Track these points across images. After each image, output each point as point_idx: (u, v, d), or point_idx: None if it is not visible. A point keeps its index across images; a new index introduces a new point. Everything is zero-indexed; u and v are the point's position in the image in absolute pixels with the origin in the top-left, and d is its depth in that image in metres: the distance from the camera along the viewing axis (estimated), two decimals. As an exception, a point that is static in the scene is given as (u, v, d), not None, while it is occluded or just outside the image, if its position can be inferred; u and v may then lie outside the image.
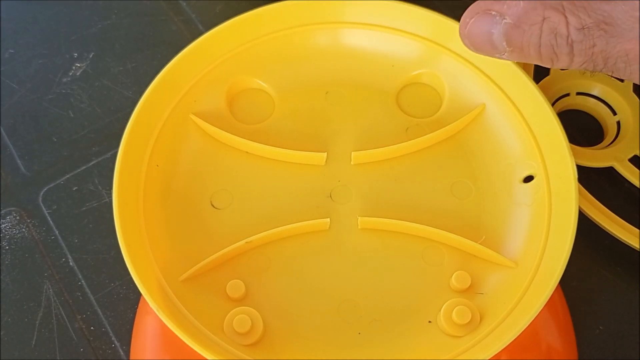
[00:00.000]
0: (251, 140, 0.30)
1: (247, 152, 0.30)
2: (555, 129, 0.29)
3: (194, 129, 0.30)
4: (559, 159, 0.29)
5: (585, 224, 0.31)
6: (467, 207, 0.30)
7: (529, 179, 0.30)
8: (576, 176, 0.28)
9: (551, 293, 0.26)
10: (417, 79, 0.33)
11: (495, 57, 0.25)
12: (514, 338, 0.25)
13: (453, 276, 0.28)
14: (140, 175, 0.28)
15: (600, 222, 0.32)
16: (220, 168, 0.30)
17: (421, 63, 0.32)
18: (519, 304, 0.27)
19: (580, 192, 0.29)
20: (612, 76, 0.25)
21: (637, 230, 0.32)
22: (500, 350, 0.24)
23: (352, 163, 0.30)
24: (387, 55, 0.33)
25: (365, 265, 0.28)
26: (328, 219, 0.28)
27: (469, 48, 0.26)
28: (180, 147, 0.30)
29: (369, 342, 0.26)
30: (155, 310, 0.24)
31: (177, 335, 0.23)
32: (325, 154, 0.30)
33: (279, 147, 0.30)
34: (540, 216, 0.29)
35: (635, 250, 0.31)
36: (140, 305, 0.30)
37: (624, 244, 0.31)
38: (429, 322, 0.27)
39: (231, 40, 0.32)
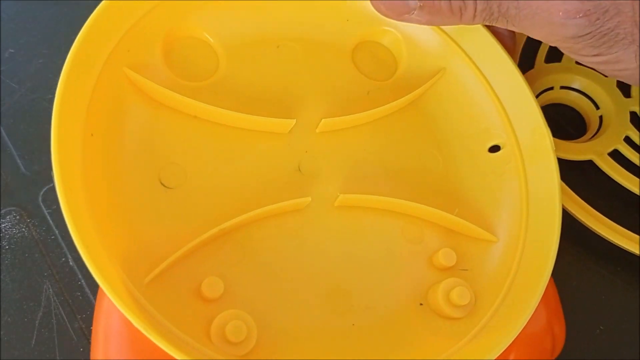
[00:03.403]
0: (200, 101, 0.23)
1: (195, 116, 0.24)
2: (527, 98, 0.26)
3: (130, 88, 0.23)
4: (532, 128, 0.26)
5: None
6: (436, 178, 0.26)
7: (495, 148, 0.27)
8: (553, 147, 0.25)
9: (550, 272, 0.23)
10: (373, 36, 0.28)
11: (405, 17, 0.23)
12: (525, 323, 0.22)
13: (439, 253, 0.24)
14: (76, 148, 0.22)
15: (584, 220, 0.29)
16: (166, 136, 0.23)
17: (378, 19, 0.26)
18: (513, 283, 0.24)
19: (563, 190, 0.26)
20: (506, 28, 0.24)
21: (629, 232, 0.29)
22: (514, 338, 0.21)
23: (317, 131, 0.25)
24: (341, 9, 0.27)
25: (346, 247, 0.24)
26: (309, 198, 0.23)
27: (380, 11, 0.24)
28: (116, 110, 0.23)
29: (365, 333, 0.23)
30: (134, 321, 0.19)
31: (146, 337, 0.19)
32: (294, 121, 0.24)
33: (234, 110, 0.23)
34: (515, 188, 0.26)
35: (628, 250, 0.29)
36: (100, 304, 0.24)
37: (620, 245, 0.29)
38: (420, 304, 0.24)
39: None
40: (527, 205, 0.25)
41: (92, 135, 0.22)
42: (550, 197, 0.25)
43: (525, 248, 0.24)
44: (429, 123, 0.27)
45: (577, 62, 0.35)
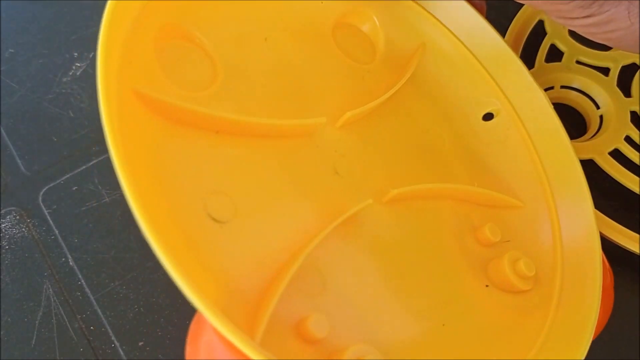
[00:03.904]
0: (222, 113, 0.20)
1: (218, 131, 0.21)
2: (513, 60, 0.25)
3: (143, 110, 0.19)
4: (524, 91, 0.25)
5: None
6: (448, 155, 0.26)
7: (489, 116, 0.26)
8: (549, 102, 0.25)
9: (596, 225, 0.23)
10: (348, 18, 0.27)
11: None
12: (600, 277, 0.21)
13: (485, 230, 0.23)
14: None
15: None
16: (195, 162, 0.20)
17: None
18: (563, 242, 0.23)
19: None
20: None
21: (630, 231, 0.29)
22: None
23: (337, 126, 0.24)
24: None
25: (408, 243, 0.23)
26: (370, 200, 0.22)
27: None
28: (142, 145, 0.19)
29: (457, 332, 0.22)
30: None
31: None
32: (324, 119, 0.22)
33: (252, 116, 0.21)
34: (523, 151, 0.25)
35: (635, 252, 0.28)
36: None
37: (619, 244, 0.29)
38: (487, 286, 0.23)
39: None
40: (541, 163, 0.25)
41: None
42: (562, 148, 0.24)
43: (558, 207, 0.24)
44: (426, 100, 0.27)
45: (578, 62, 0.35)
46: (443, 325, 0.22)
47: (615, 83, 0.34)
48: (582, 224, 0.23)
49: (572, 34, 0.35)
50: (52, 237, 0.29)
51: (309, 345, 0.19)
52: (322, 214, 0.21)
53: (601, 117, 0.34)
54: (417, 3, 0.27)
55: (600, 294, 0.22)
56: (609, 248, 0.29)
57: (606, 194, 0.31)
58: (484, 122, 0.26)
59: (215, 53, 0.23)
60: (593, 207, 0.23)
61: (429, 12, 0.27)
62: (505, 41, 0.28)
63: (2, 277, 0.28)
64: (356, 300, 0.21)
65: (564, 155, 0.24)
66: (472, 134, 0.26)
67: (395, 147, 0.25)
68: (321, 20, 0.26)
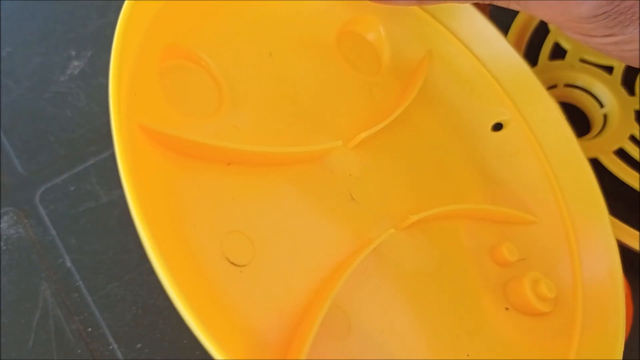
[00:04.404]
0: (234, 144, 0.19)
1: (230, 163, 0.20)
2: (523, 69, 0.24)
3: (150, 147, 0.18)
4: (535, 101, 0.25)
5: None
6: (463, 170, 0.25)
7: (498, 126, 0.26)
8: (563, 114, 0.24)
9: (615, 240, 0.22)
10: (351, 26, 0.26)
11: (392, 2, 0.22)
12: (624, 298, 0.21)
13: (502, 250, 0.23)
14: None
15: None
16: (209, 199, 0.19)
17: (354, 6, 0.24)
18: (580, 262, 0.23)
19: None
20: (508, 7, 0.22)
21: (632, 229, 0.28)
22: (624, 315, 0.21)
23: (349, 147, 0.23)
24: (317, 2, 0.25)
25: (429, 270, 0.22)
26: (392, 230, 0.21)
27: None
28: (154, 185, 0.18)
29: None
30: None
31: None
32: (339, 142, 0.22)
33: (260, 144, 0.20)
34: (536, 164, 0.25)
35: (635, 250, 0.28)
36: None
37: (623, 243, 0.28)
38: (506, 309, 0.22)
39: (149, 6, 0.20)
40: (555, 175, 0.24)
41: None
42: (575, 160, 0.24)
43: (573, 222, 0.24)
44: (437, 113, 0.26)
45: (582, 60, 0.34)
46: (467, 355, 0.21)
47: (619, 81, 0.34)
48: (600, 239, 0.22)
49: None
50: (50, 238, 0.29)
51: None
52: (342, 247, 0.21)
53: (605, 115, 0.34)
54: (422, 9, 0.26)
55: (625, 313, 0.21)
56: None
57: (610, 193, 0.31)
58: (493, 133, 0.26)
59: (220, 74, 0.22)
60: (609, 220, 0.22)
61: (435, 18, 0.26)
62: (508, 39, 0.28)
63: (-1, 278, 0.28)
64: (382, 338, 0.20)
65: (577, 168, 0.24)
66: (482, 147, 0.26)
67: (408, 166, 0.25)
68: (325, 30, 0.25)
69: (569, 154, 0.24)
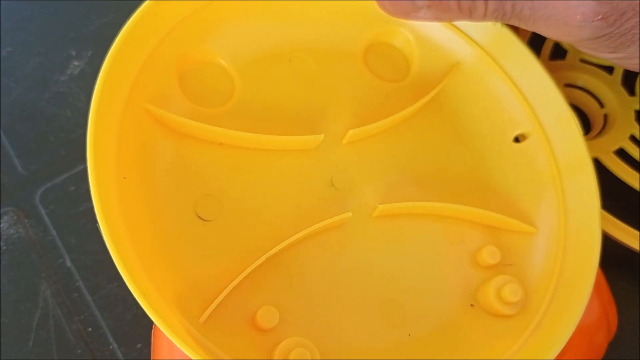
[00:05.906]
0: (221, 127, 0.22)
1: (221, 143, 0.23)
2: (547, 83, 0.25)
3: (154, 124, 0.22)
4: (557, 114, 0.25)
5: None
6: (466, 175, 0.25)
7: (521, 138, 0.26)
8: (581, 131, 0.25)
9: (598, 260, 0.22)
10: (381, 37, 0.27)
11: (412, 16, 0.23)
12: (580, 316, 0.21)
13: (483, 252, 0.24)
14: (113, 193, 0.20)
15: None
16: (196, 168, 0.22)
17: (385, 19, 0.25)
18: (562, 275, 0.23)
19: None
20: (518, 26, 0.23)
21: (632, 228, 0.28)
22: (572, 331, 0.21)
23: (343, 142, 0.24)
24: (346, 12, 0.26)
25: (391, 257, 0.23)
26: (349, 213, 0.23)
27: (387, 10, 0.23)
28: (143, 150, 0.22)
29: (422, 343, 0.22)
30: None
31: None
32: (322, 136, 0.24)
33: (258, 132, 0.23)
34: (547, 176, 0.25)
35: (635, 250, 0.28)
36: (159, 343, 0.24)
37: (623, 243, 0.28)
38: (471, 305, 0.23)
39: (176, 8, 0.23)
40: (563, 193, 0.25)
41: (124, 178, 0.21)
42: (586, 182, 0.24)
43: (568, 237, 0.24)
44: (451, 119, 0.26)
45: (582, 60, 0.34)
46: (408, 335, 0.22)
47: (620, 82, 0.34)
48: (586, 262, 0.23)
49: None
50: (50, 238, 0.29)
51: (259, 333, 0.21)
52: (305, 220, 0.22)
53: (605, 115, 0.34)
54: (452, 23, 0.27)
55: (575, 328, 0.22)
56: (609, 248, 0.28)
57: (611, 193, 0.31)
58: (515, 143, 0.26)
59: (235, 73, 0.24)
60: (600, 249, 0.23)
61: (464, 32, 0.27)
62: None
63: (-1, 278, 0.28)
64: (318, 300, 0.22)
65: (587, 191, 0.24)
66: (500, 155, 0.26)
67: (406, 167, 0.25)
68: (352, 41, 0.26)
69: (583, 177, 0.25)
